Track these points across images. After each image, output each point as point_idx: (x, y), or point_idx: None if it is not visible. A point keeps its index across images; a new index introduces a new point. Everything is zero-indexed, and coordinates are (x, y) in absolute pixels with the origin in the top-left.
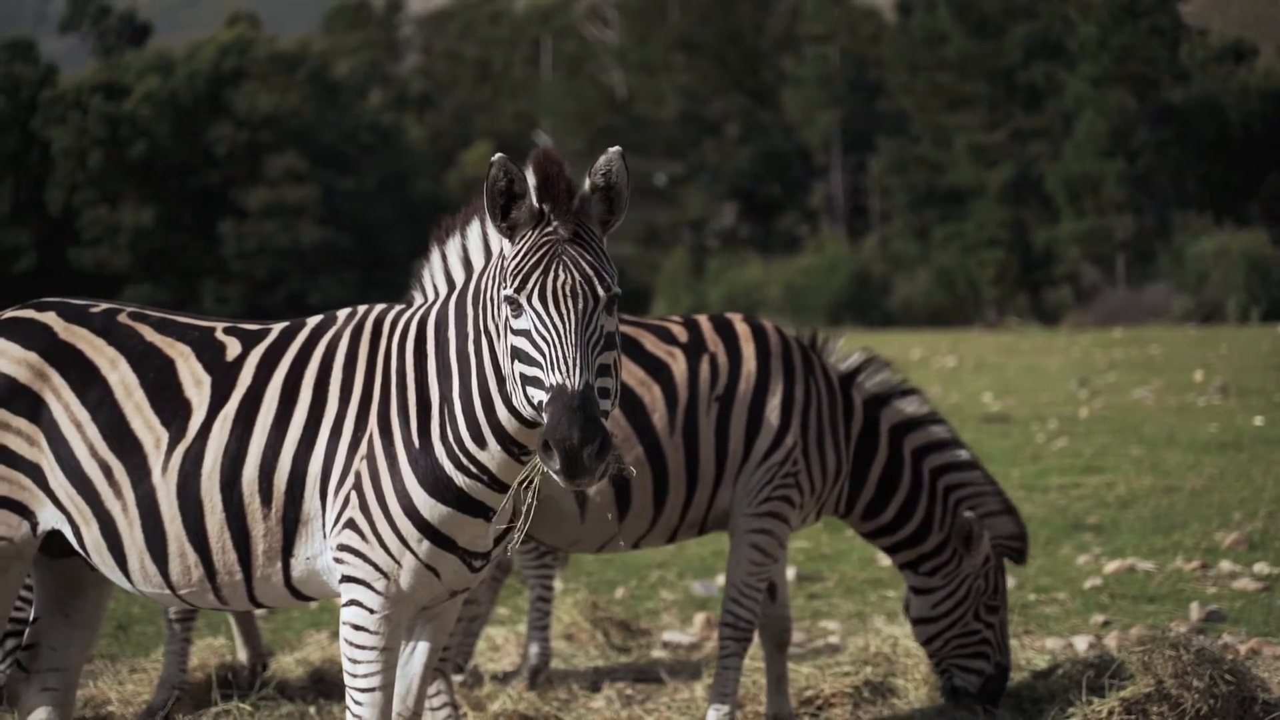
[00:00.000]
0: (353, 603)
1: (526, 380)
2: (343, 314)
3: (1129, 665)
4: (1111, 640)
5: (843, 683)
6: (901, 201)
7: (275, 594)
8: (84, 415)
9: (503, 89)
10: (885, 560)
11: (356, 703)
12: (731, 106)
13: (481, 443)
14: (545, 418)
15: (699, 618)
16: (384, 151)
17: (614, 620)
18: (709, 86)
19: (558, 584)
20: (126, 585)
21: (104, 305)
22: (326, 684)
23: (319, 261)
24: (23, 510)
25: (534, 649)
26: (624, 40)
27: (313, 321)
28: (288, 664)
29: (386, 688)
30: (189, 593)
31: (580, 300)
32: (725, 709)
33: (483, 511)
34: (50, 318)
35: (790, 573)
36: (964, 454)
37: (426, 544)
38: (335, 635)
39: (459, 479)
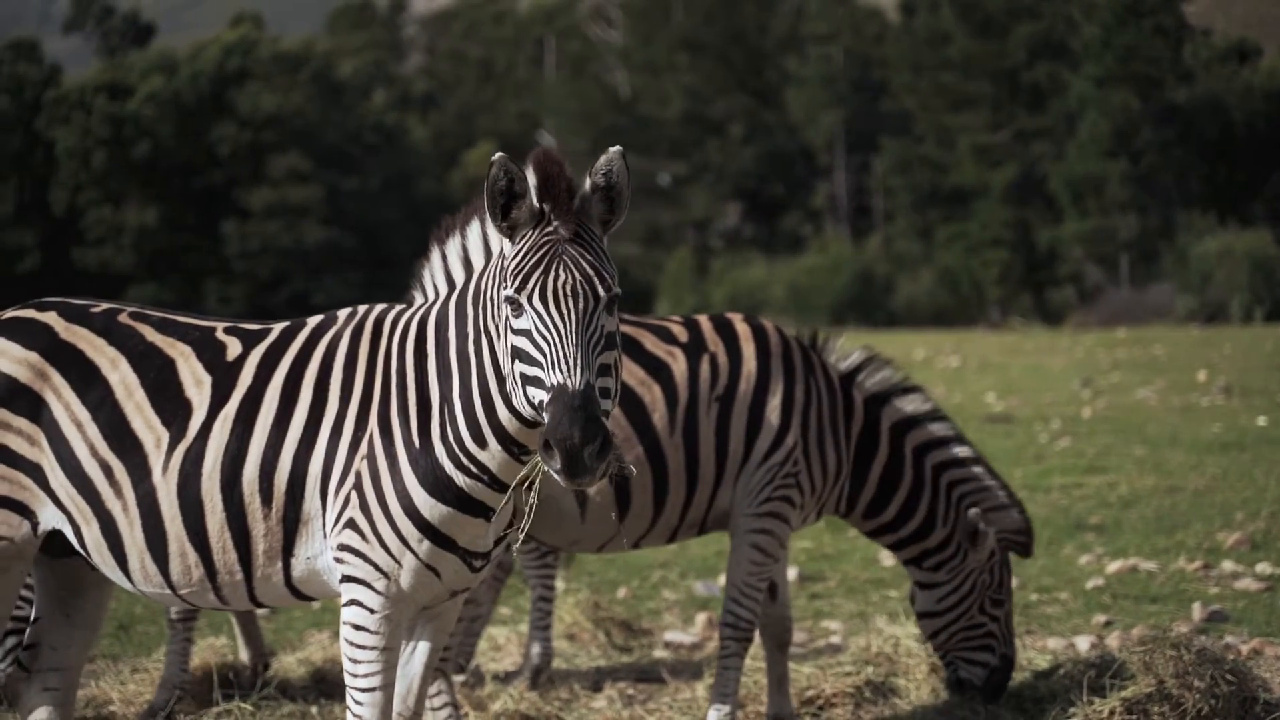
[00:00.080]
0: (353, 602)
1: (527, 380)
2: (343, 314)
3: (1130, 665)
4: (1113, 640)
5: (844, 683)
6: (905, 201)
7: (276, 594)
8: (85, 415)
9: (506, 89)
10: (887, 560)
11: (357, 702)
12: (735, 106)
13: (482, 442)
14: (546, 417)
15: (701, 618)
16: (388, 151)
17: (616, 620)
18: (713, 86)
19: (559, 584)
20: (127, 585)
21: (105, 305)
22: (328, 684)
23: (323, 262)
24: (23, 510)
25: (536, 649)
26: (628, 40)
27: (313, 321)
28: (290, 664)
29: (387, 687)
30: (189, 592)
31: (581, 300)
32: (726, 709)
33: (483, 511)
34: (51, 318)
35: (792, 573)
36: (966, 450)
37: (427, 544)
38: (337, 635)
39: (459, 479)
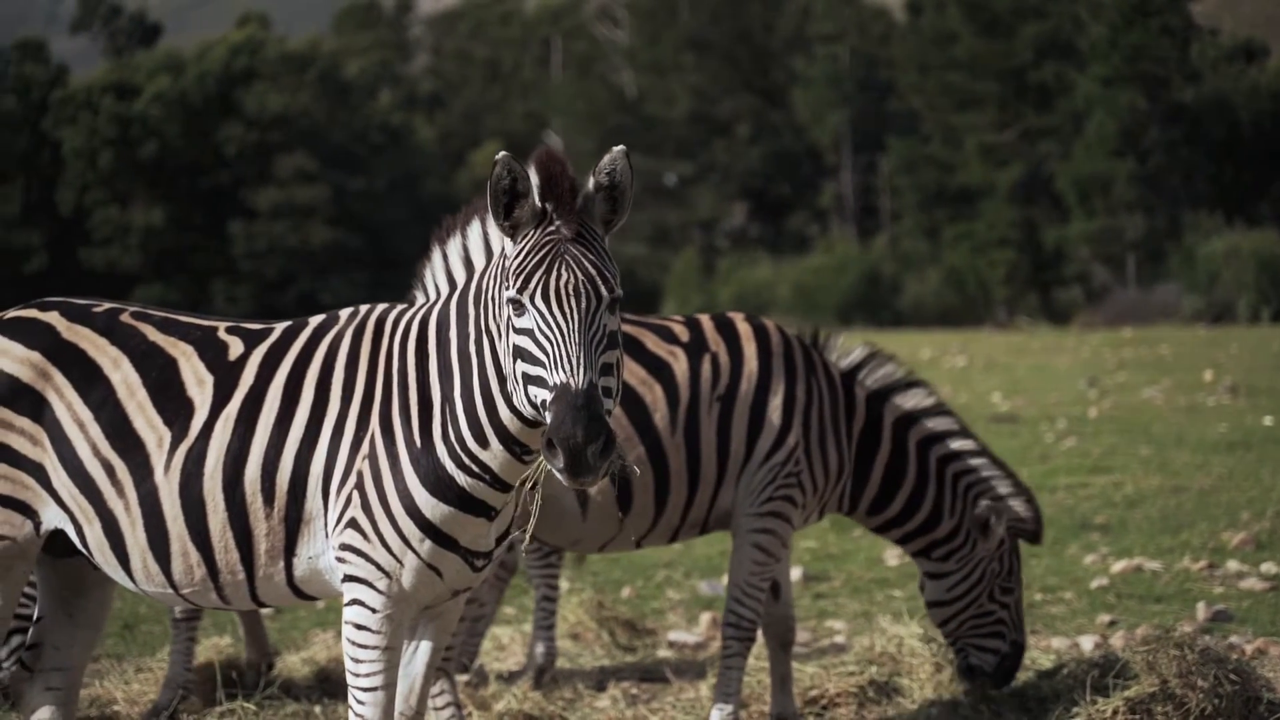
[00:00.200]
0: (355, 602)
1: (529, 380)
2: (345, 314)
3: (1134, 665)
4: (1118, 640)
5: (847, 682)
6: (911, 201)
7: (278, 593)
8: (87, 415)
9: (513, 89)
10: (892, 560)
11: (359, 702)
12: (741, 106)
13: (483, 442)
14: (549, 416)
15: (705, 617)
16: (394, 152)
17: (620, 620)
18: (719, 86)
19: (563, 584)
20: (129, 585)
21: (107, 305)
22: (332, 683)
23: (329, 262)
24: (26, 510)
25: (539, 648)
26: (634, 40)
27: (315, 321)
28: (293, 663)
29: (389, 687)
30: (191, 592)
31: (583, 299)
32: (729, 709)
33: (484, 511)
34: (53, 317)
35: (796, 572)
36: (970, 443)
37: (428, 543)
38: (341, 635)
39: (461, 478)
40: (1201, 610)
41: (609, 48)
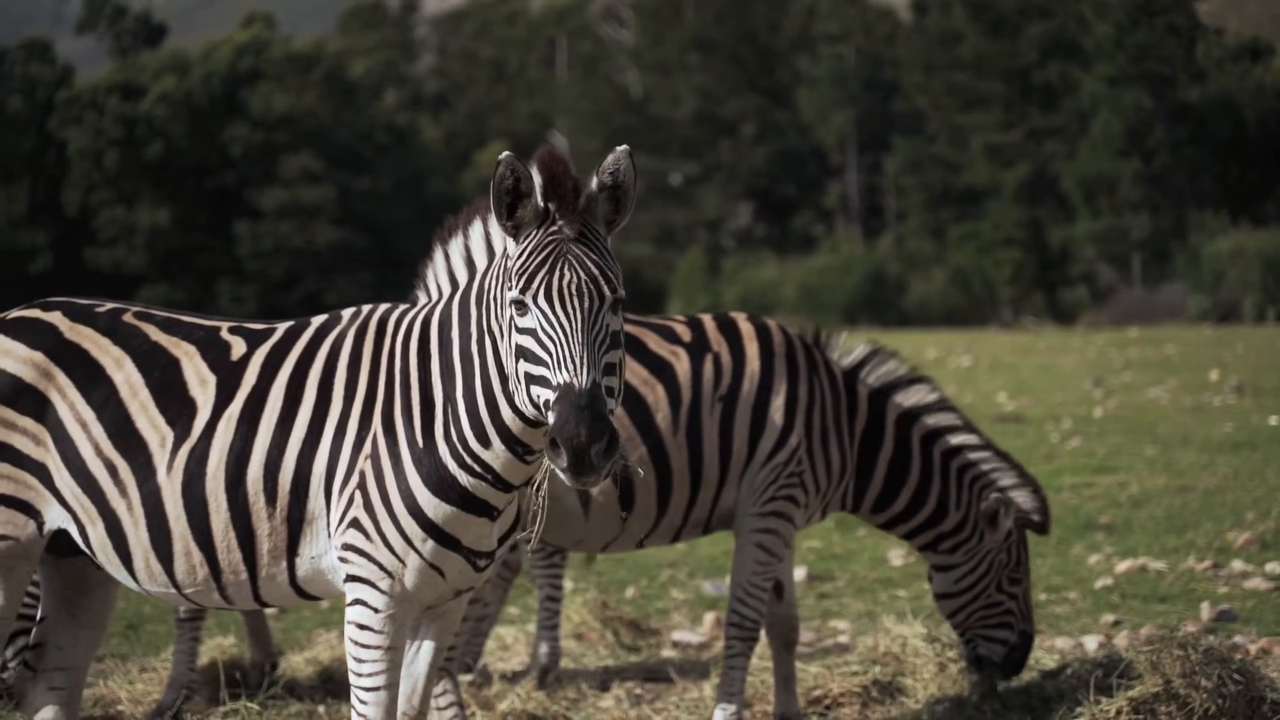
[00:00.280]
0: (357, 602)
1: (532, 379)
2: (347, 313)
3: (1137, 665)
4: (1121, 640)
5: (851, 682)
6: (917, 201)
7: (280, 593)
8: (89, 414)
9: (518, 89)
10: (896, 560)
11: (362, 701)
12: (747, 106)
13: (485, 442)
14: (552, 416)
15: (709, 617)
16: (399, 152)
17: (624, 620)
18: (724, 86)
19: (568, 584)
20: (132, 584)
21: (109, 305)
22: (335, 683)
23: (335, 262)
24: (29, 509)
25: (543, 648)
26: (639, 40)
27: (317, 321)
28: (297, 663)
29: (391, 687)
30: (194, 592)
31: (586, 299)
32: (732, 708)
33: (487, 511)
34: (56, 317)
35: (801, 572)
36: (974, 437)
37: (431, 543)
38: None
39: (463, 478)
40: (1206, 610)
41: (614, 48)
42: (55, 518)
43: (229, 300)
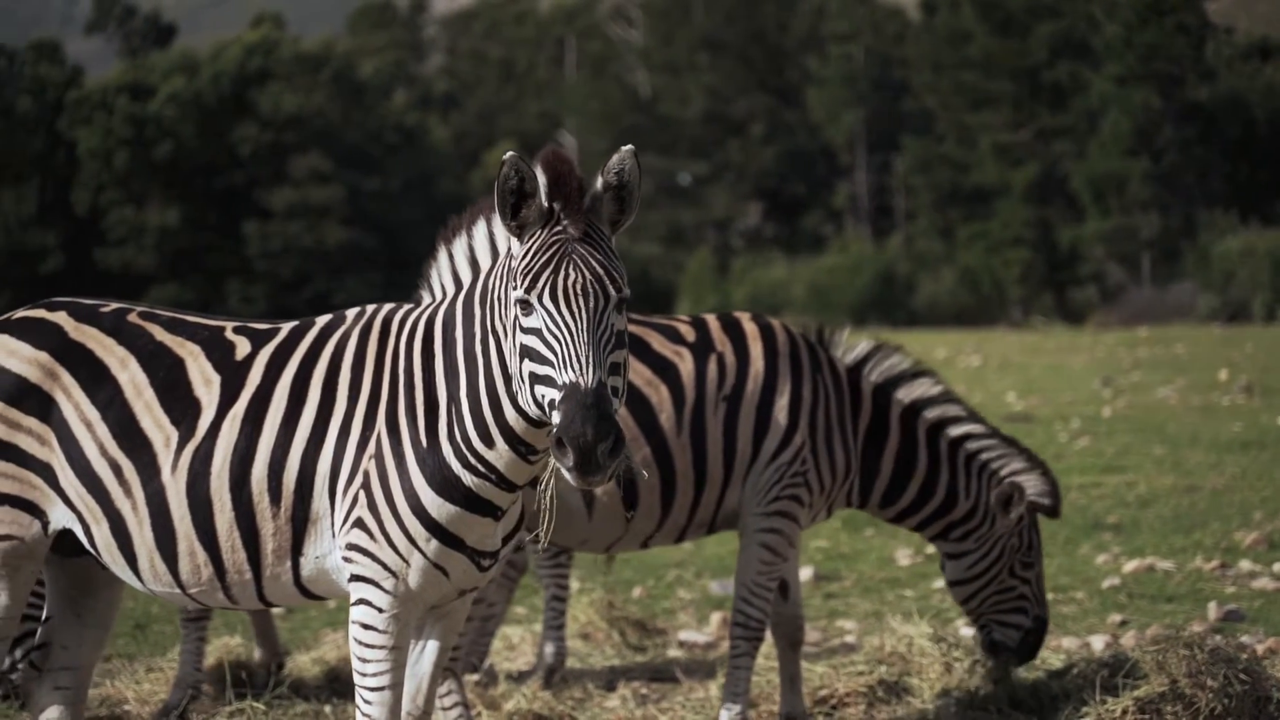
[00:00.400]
0: (362, 602)
1: (537, 379)
2: (351, 313)
3: (1143, 665)
4: (1128, 640)
5: (857, 682)
6: (926, 201)
7: (284, 593)
8: (94, 414)
9: (527, 89)
10: (903, 560)
11: (366, 701)
12: (756, 106)
13: (489, 442)
14: (558, 415)
15: (715, 617)
16: (409, 152)
17: (630, 619)
18: (733, 86)
19: (574, 583)
20: (137, 584)
21: (114, 305)
22: (342, 683)
23: (344, 262)
24: (34, 509)
25: (549, 648)
26: (648, 40)
27: (321, 321)
28: (304, 663)
29: (396, 686)
30: (199, 591)
31: (591, 299)
32: (737, 709)
33: (490, 510)
34: (61, 317)
35: (808, 572)
36: (980, 425)
37: (435, 543)
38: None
39: (466, 478)
40: (1213, 610)
41: (623, 47)
42: (60, 517)
43: (238, 300)
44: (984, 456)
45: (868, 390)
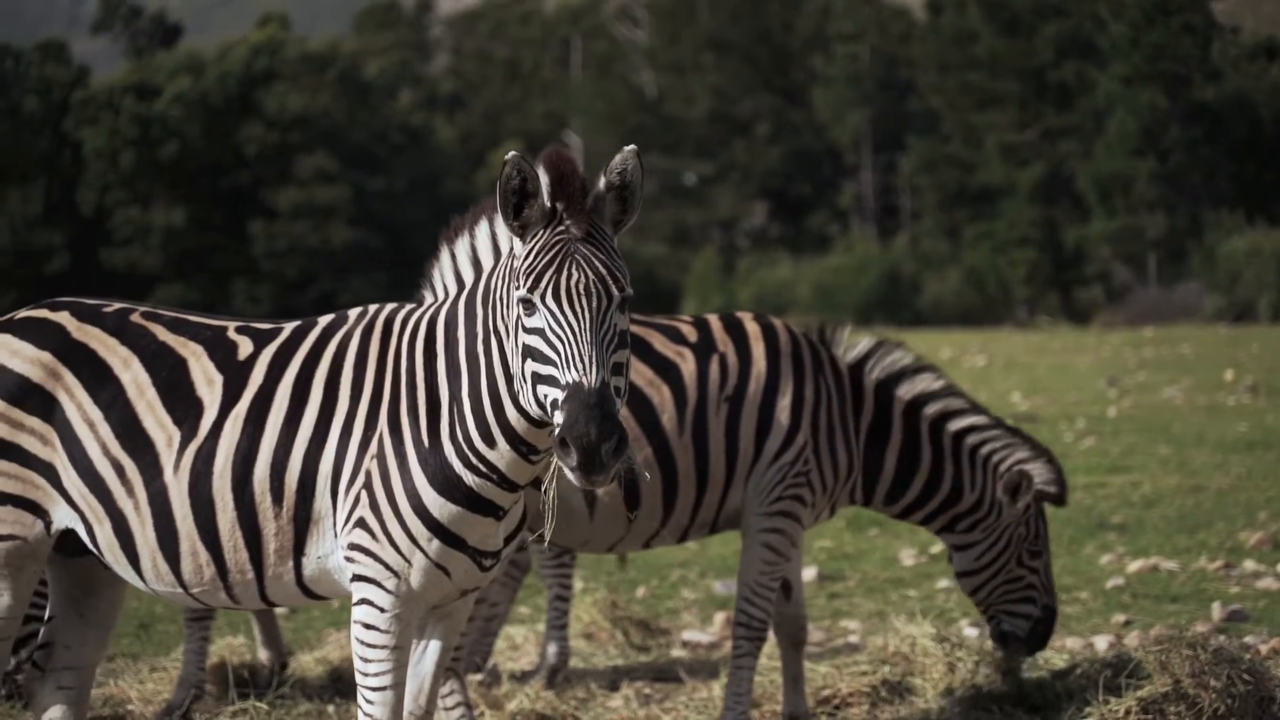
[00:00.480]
0: (364, 601)
1: (540, 379)
2: (353, 313)
3: (1146, 665)
4: (1132, 640)
5: (860, 682)
6: (932, 201)
7: (287, 593)
8: (97, 414)
9: (533, 89)
10: (908, 560)
11: (368, 701)
12: (761, 106)
13: (491, 442)
14: (561, 415)
15: (719, 617)
16: (414, 152)
17: (633, 619)
18: (739, 86)
19: (578, 583)
20: (139, 584)
21: (117, 305)
22: (345, 683)
23: (350, 262)
24: (36, 509)
25: (552, 648)
26: (654, 40)
27: (324, 321)
28: (307, 663)
29: (398, 686)
30: (201, 591)
31: (595, 299)
32: (740, 709)
33: (492, 510)
34: (64, 317)
35: (812, 572)
36: (983, 417)
37: (436, 543)
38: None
39: (468, 478)
40: (1217, 610)
41: (628, 47)
42: (63, 517)
43: (244, 300)
44: (988, 448)
45: (870, 388)
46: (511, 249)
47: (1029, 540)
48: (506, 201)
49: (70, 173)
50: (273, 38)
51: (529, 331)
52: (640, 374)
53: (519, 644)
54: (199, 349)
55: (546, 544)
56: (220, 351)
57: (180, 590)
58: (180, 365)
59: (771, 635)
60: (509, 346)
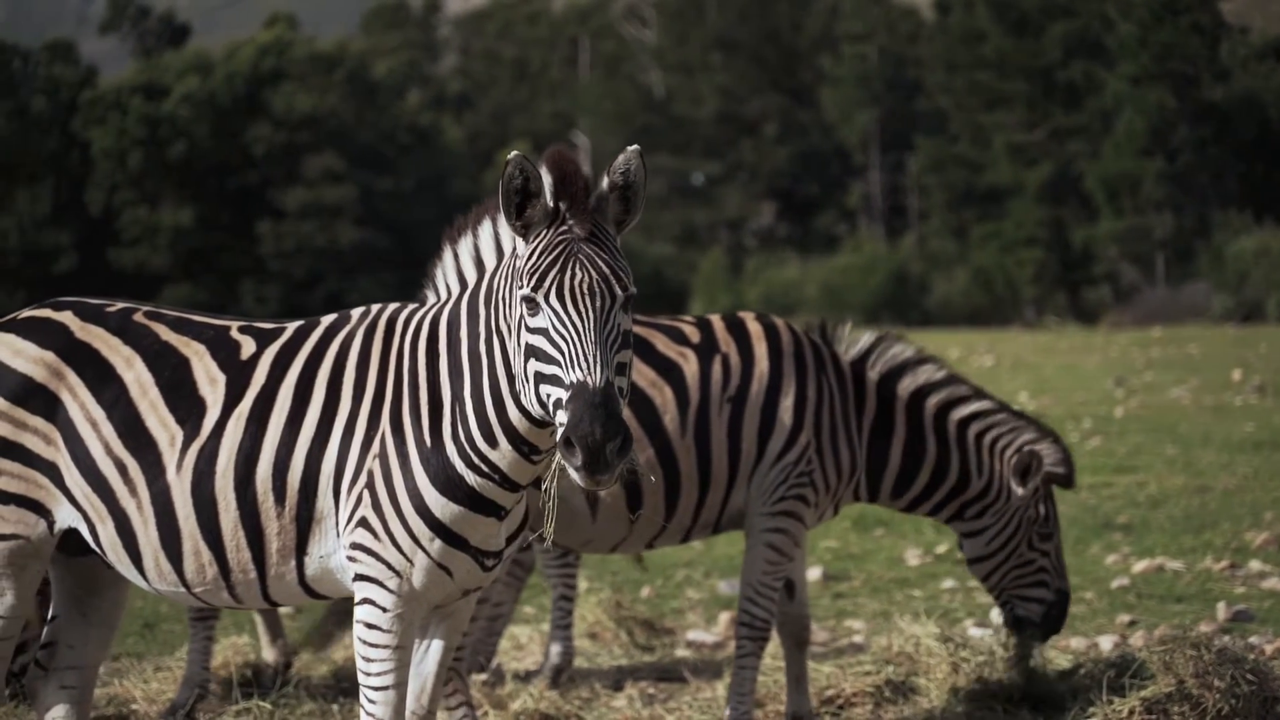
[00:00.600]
0: (366, 601)
1: (543, 378)
2: (356, 313)
3: (1150, 665)
4: (1136, 640)
5: (864, 682)
6: (940, 200)
7: (289, 592)
8: (100, 414)
9: (540, 89)
10: (912, 560)
11: (370, 701)
12: (769, 106)
13: (493, 442)
14: (566, 415)
15: (724, 617)
16: (422, 152)
17: (638, 619)
18: (747, 86)
19: (582, 583)
20: (142, 583)
21: (120, 305)
22: (349, 683)
23: (357, 262)
24: (39, 509)
25: (556, 648)
26: (662, 40)
27: (326, 320)
28: (311, 662)
29: (400, 686)
30: (203, 591)
31: (598, 298)
32: (743, 708)
33: (494, 510)
34: (67, 317)
35: (817, 572)
36: (987, 402)
37: (438, 542)
38: None
39: (470, 478)
40: (1222, 610)
41: (636, 47)
42: (66, 517)
43: (252, 300)
44: (994, 433)
45: (872, 383)
46: (514, 249)
47: (1039, 523)
48: (509, 201)
49: (78, 173)
50: (280, 38)
51: (532, 331)
52: (643, 375)
53: (523, 644)
54: (202, 348)
55: (547, 544)
56: (223, 351)
57: (183, 590)
58: (183, 365)
59: (775, 635)
60: (511, 346)
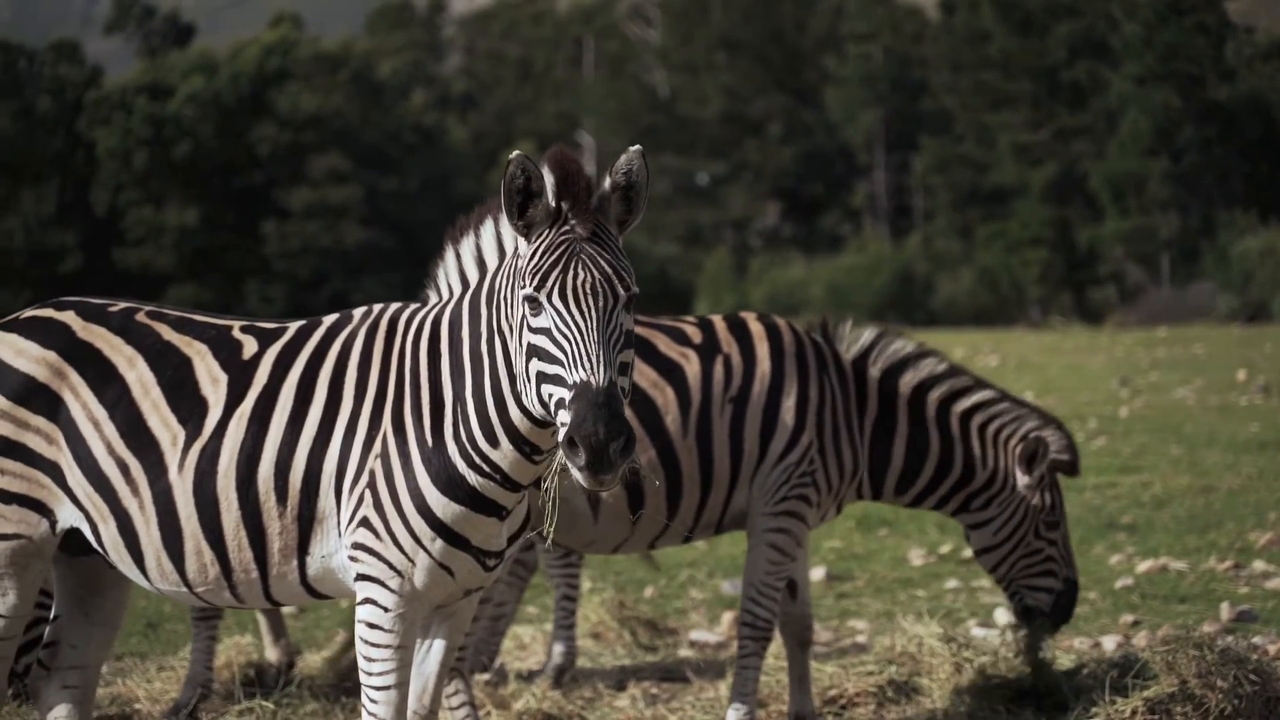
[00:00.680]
0: (367, 601)
1: (545, 378)
2: (358, 312)
3: (1153, 665)
4: (1140, 640)
5: (866, 682)
6: (945, 200)
7: (291, 592)
8: (102, 413)
9: (545, 89)
10: (916, 560)
11: (372, 700)
12: (774, 106)
13: (494, 442)
14: (569, 415)
15: (727, 617)
16: (427, 152)
17: (641, 619)
18: (751, 86)
19: (585, 583)
20: (144, 583)
21: (122, 304)
22: (352, 682)
23: (362, 262)
24: (42, 508)
25: (559, 648)
26: (666, 40)
27: (328, 320)
28: (314, 662)
29: (402, 685)
30: (205, 590)
31: (601, 298)
32: (745, 708)
33: (495, 510)
34: (69, 317)
35: (820, 572)
36: (989, 392)
37: (440, 542)
38: None
39: (471, 478)
40: (1226, 610)
41: (641, 47)
42: (68, 516)
43: (257, 300)
44: (997, 423)
45: (874, 380)
46: (516, 249)
47: (1045, 512)
48: (511, 201)
49: (83, 173)
50: (285, 38)
51: (535, 331)
52: (644, 375)
53: (526, 643)
54: (204, 348)
55: (548, 544)
56: (225, 351)
57: (185, 589)
58: (185, 364)
59: (778, 635)
60: (513, 346)
